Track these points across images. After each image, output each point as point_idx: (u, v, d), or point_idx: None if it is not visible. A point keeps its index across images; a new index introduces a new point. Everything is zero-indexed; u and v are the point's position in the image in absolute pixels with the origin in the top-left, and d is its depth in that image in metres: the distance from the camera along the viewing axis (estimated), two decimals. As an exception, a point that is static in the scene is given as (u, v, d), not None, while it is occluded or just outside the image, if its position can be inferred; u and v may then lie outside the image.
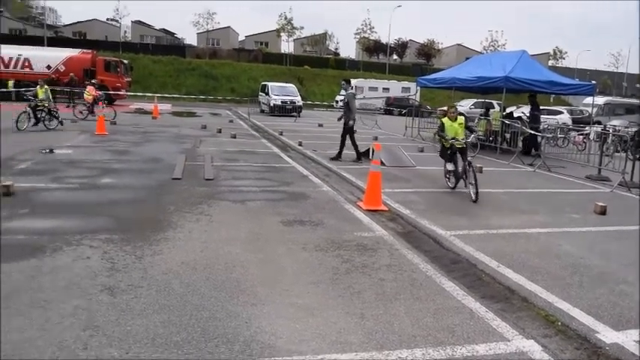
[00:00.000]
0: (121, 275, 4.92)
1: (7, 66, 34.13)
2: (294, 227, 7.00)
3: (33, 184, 8.75)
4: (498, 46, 73.43)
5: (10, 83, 31.67)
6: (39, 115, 17.03)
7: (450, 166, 10.06)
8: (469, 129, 10.22)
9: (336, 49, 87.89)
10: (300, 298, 4.65)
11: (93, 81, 25.18)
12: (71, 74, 32.13)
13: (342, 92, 14.55)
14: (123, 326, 3.93)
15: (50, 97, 17.77)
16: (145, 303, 4.35)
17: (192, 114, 29.72)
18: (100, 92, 24.04)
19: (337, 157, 13.44)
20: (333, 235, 6.71)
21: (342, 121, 13.80)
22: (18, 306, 4.19)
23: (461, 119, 10.11)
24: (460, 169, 9.70)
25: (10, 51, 34.91)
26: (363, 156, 13.45)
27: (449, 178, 10.31)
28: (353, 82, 44.32)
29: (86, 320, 4.00)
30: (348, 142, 13.66)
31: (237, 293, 4.66)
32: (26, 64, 34.35)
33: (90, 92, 22.50)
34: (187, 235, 6.30)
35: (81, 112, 21.90)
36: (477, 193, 9.11)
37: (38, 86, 17.71)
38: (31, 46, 39.63)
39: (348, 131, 13.62)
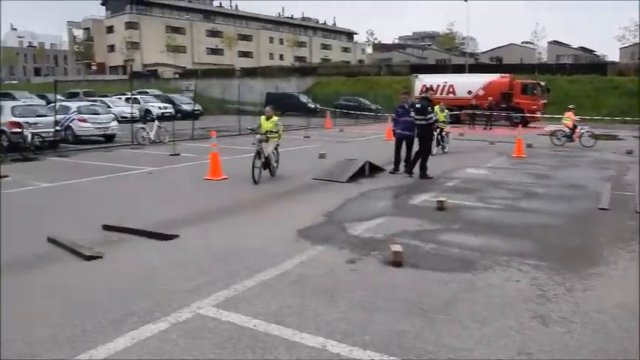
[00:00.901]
0: (551, 305, 4.84)
1: (434, 92, 38.37)
2: None
3: (461, 202, 9.54)
4: None
5: (437, 108, 35.40)
6: (438, 138, 18.17)
7: None
8: None
9: None
10: None
11: (570, 106, 23.75)
12: (490, 98, 33.70)
13: None
14: (555, 357, 3.85)
15: (448, 120, 18.95)
16: (580, 341, 4.15)
17: (612, 137, 27.16)
18: (577, 117, 23.10)
19: None
20: None
21: None
22: (456, 315, 4.60)
23: None
24: None
25: (437, 79, 39.18)
26: None
27: None
28: None
29: (519, 344, 4.08)
30: None
31: (692, 353, 3.98)
32: (451, 90, 37.81)
33: (569, 117, 22.09)
34: (622, 274, 5.76)
35: (558, 139, 21.54)
36: None
37: (439, 109, 19.12)
38: (455, 74, 43.67)
39: None
